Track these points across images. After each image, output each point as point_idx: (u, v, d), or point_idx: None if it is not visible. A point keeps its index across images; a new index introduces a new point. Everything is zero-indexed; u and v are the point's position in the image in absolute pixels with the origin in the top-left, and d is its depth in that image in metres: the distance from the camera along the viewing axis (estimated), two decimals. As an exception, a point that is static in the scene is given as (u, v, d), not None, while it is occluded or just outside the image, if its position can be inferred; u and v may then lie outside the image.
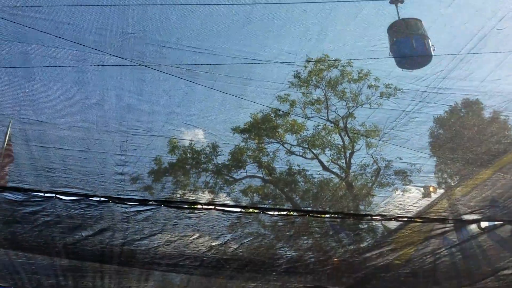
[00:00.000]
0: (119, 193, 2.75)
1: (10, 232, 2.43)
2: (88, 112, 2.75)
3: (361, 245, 2.84)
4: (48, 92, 2.72)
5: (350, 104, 3.86)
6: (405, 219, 3.04)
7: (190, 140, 3.39)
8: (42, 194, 2.52)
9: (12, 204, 2.48)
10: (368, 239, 3.08)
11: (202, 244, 2.96)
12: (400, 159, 3.50)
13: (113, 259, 3.01)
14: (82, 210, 2.62)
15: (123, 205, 2.71)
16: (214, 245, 2.95)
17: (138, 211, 2.78)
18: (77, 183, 2.66)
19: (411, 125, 3.18)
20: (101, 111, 2.76)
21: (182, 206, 2.94)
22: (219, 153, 3.55)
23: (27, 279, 3.22)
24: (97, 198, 2.62)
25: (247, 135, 3.86)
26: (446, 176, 3.54)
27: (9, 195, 2.48)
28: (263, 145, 4.17)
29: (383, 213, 3.03)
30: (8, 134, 2.67)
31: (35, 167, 2.60)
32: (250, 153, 3.91)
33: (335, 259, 3.04)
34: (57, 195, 2.52)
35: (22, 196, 2.48)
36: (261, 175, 3.93)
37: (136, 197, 2.77)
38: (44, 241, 2.56)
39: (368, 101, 3.72)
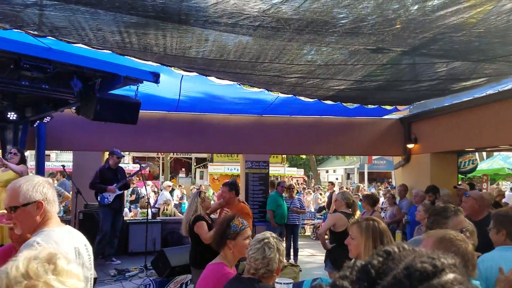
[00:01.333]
0: None
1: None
2: None
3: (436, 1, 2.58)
4: None
5: None
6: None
7: None
8: None
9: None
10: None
11: (262, 2, 2.79)
12: None
13: (173, 16, 2.97)
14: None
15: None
16: (275, 3, 2.77)
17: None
18: None
19: None
20: None
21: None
22: None
23: (93, 35, 3.33)
24: None
25: None
26: None
27: None
28: None
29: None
30: None
31: None
32: None
33: (403, 18, 2.85)
34: None
35: None
36: None
37: None
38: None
39: None
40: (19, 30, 3.59)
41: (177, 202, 14.28)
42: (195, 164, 28.81)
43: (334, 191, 12.39)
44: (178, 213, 11.63)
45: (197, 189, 5.91)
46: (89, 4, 2.65)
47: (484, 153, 15.39)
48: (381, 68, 4.52)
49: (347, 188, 16.72)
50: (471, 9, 2.67)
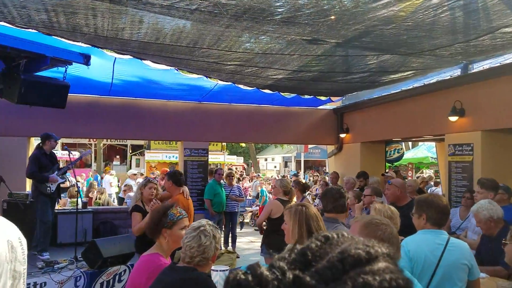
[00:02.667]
0: None
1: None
2: None
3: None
4: None
5: None
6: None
7: None
8: None
9: None
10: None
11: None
12: None
13: (104, -5, 2.82)
14: None
15: None
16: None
17: None
18: None
19: None
20: None
21: None
22: None
23: (16, 13, 3.08)
24: None
25: None
26: None
27: None
28: None
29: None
30: None
31: None
32: None
33: (337, 9, 2.94)
34: None
35: None
36: None
37: None
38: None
39: None
40: None
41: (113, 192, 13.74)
42: (130, 151, 27.90)
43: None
44: (112, 203, 11.24)
45: (146, 178, 5.74)
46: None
47: (410, 143, 16.43)
48: (316, 59, 4.64)
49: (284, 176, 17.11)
50: (401, 2, 2.81)
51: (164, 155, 21.54)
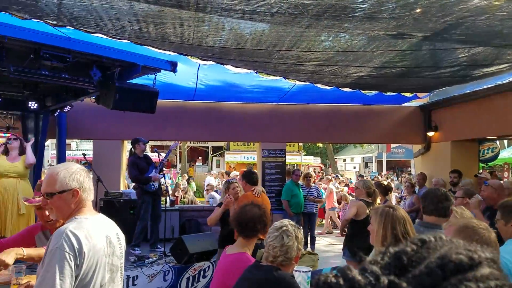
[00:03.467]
0: None
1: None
2: None
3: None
4: None
5: None
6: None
7: None
8: None
9: None
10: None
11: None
12: None
13: (190, 5, 2.96)
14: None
15: None
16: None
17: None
18: None
19: None
20: None
21: None
22: None
23: (111, 25, 3.35)
24: None
25: None
26: None
27: None
28: None
29: None
30: None
31: None
32: None
33: (424, 1, 2.78)
34: None
35: None
36: None
37: None
38: (121, -17, 2.49)
39: None
40: (38, 20, 3.64)
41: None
42: (211, 152, 28.98)
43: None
44: (197, 201, 11.75)
45: (226, 181, 6.02)
46: (107, -7, 2.67)
47: (506, 141, 15.05)
48: (401, 54, 4.43)
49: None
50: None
51: (243, 156, 22.05)
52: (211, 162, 28.47)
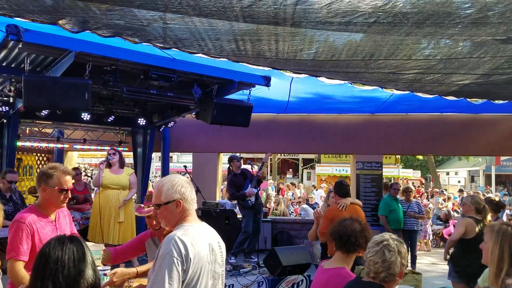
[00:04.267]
0: None
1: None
2: None
3: None
4: None
5: None
6: None
7: None
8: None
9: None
10: None
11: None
12: None
13: (286, 21, 3.01)
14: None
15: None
16: (392, -3, 2.64)
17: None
18: None
19: None
20: None
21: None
22: None
23: (211, 45, 3.54)
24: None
25: None
26: None
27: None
28: None
29: None
30: None
31: None
32: None
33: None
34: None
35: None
36: None
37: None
38: (222, 5, 2.63)
39: None
40: (147, 44, 3.98)
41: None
42: (302, 165, 28.93)
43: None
44: (288, 214, 11.77)
45: (329, 190, 6.04)
46: (209, 15, 2.83)
47: None
48: (513, 59, 4.01)
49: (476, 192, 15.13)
50: None
51: (335, 168, 21.63)
52: (302, 174, 28.41)
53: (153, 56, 4.94)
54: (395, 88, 6.02)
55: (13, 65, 5.18)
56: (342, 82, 5.82)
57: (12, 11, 3.03)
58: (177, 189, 2.09)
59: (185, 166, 7.65)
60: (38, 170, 8.96)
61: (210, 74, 5.51)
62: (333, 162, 21.59)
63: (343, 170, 20.50)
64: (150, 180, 12.00)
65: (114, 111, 7.07)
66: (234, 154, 7.66)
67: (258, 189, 7.43)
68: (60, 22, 3.17)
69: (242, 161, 7.63)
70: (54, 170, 2.81)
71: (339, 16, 2.90)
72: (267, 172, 28.78)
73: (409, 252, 8.30)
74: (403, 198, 8.33)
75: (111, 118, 7.27)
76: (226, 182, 9.17)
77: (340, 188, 5.29)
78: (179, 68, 5.21)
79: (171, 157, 24.88)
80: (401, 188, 8.53)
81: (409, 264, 8.22)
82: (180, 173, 13.05)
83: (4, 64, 5.12)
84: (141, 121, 7.48)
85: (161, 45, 3.97)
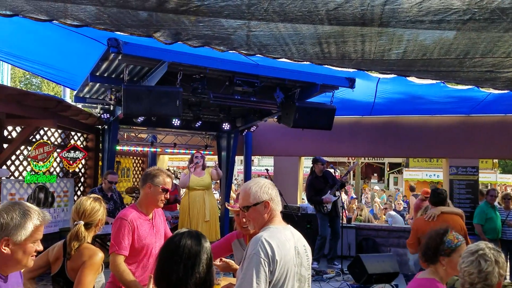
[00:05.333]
0: None
1: (278, 4, 2.56)
2: None
3: None
4: None
5: None
6: None
7: None
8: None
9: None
10: None
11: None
12: None
13: (373, 21, 2.92)
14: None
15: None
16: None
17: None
18: None
19: None
20: None
21: None
22: None
23: (295, 49, 3.56)
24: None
25: None
26: None
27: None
28: None
29: None
30: None
31: None
32: None
33: None
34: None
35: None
36: None
37: None
38: (307, 10, 2.63)
39: None
40: (232, 51, 4.12)
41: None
42: (388, 169, 27.73)
43: None
44: (373, 220, 11.35)
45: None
46: (294, 20, 2.85)
47: None
48: None
49: None
50: None
51: (424, 173, 20.44)
52: (388, 179, 27.22)
53: (238, 63, 5.10)
54: (492, 87, 5.52)
55: (113, 76, 5.69)
56: (434, 81, 5.49)
57: (113, 26, 3.32)
58: (265, 190, 2.14)
59: (266, 170, 7.77)
60: (134, 172, 9.71)
61: (293, 78, 5.54)
62: (423, 167, 20.42)
63: (434, 175, 19.31)
64: (233, 183, 12.37)
65: (201, 116, 7.42)
66: (319, 156, 7.56)
67: (338, 196, 7.26)
68: (155, 34, 3.40)
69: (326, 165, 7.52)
70: (159, 172, 3.08)
71: (430, 14, 2.75)
72: (350, 177, 28.09)
73: (508, 263, 7.55)
74: (501, 205, 7.61)
75: (198, 124, 7.64)
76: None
77: (433, 195, 4.98)
78: (262, 73, 5.32)
79: (253, 160, 25.40)
80: (499, 195, 7.80)
81: (508, 276, 7.48)
82: (261, 177, 13.25)
83: (105, 75, 5.63)
84: (226, 126, 7.76)
85: (246, 52, 4.07)
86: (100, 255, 2.53)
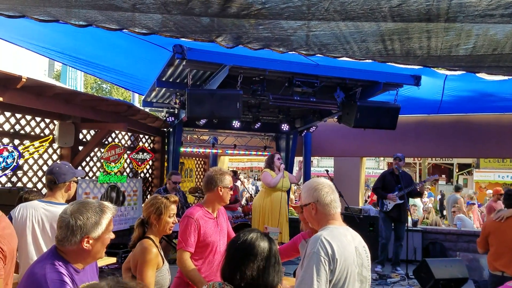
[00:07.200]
0: None
1: (339, 3, 2.55)
2: None
3: None
4: None
5: None
6: None
7: None
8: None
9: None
10: None
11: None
12: None
13: (439, 17, 2.81)
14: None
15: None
16: None
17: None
18: None
19: None
20: None
21: None
22: None
23: (356, 47, 3.50)
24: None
25: None
26: None
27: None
28: None
29: None
30: None
31: None
32: None
33: None
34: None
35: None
36: None
37: None
38: (370, 7, 2.59)
39: None
40: (292, 52, 4.13)
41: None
42: (457, 170, 26.21)
43: None
44: (441, 223, 10.80)
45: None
46: (355, 18, 2.81)
47: None
48: None
49: None
50: None
51: (497, 174, 19.13)
52: (457, 180, 25.74)
53: (297, 64, 5.11)
54: None
55: (177, 81, 5.93)
56: (506, 77, 5.14)
57: (178, 33, 3.47)
58: (311, 193, 2.17)
59: (326, 171, 7.66)
60: (196, 173, 10.04)
61: (354, 77, 5.44)
62: (495, 168, 19.13)
63: (507, 176, 18.00)
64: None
65: (260, 118, 7.51)
66: (401, 154, 7.22)
67: (401, 202, 6.89)
68: (217, 39, 3.51)
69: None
70: (225, 173, 3.24)
71: (501, 7, 2.59)
72: (416, 178, 26.91)
73: None
74: None
75: (258, 125, 7.74)
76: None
77: (506, 198, 4.66)
78: (322, 73, 5.28)
79: (312, 161, 25.19)
80: None
81: None
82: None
83: (170, 80, 5.89)
84: (285, 127, 7.78)
85: (305, 52, 4.07)
86: (153, 250, 2.63)
